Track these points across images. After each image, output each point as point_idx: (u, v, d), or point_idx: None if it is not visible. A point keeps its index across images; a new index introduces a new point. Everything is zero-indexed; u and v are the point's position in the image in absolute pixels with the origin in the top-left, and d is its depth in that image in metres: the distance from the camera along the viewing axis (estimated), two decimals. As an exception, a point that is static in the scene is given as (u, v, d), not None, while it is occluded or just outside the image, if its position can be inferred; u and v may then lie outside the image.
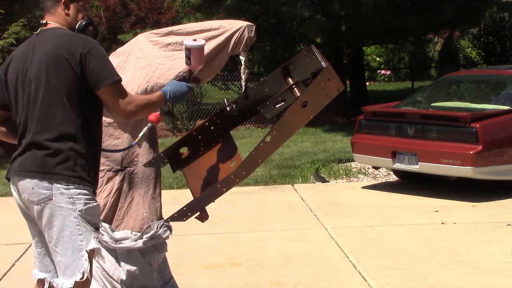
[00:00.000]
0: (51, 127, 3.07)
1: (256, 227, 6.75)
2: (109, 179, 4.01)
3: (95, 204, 3.16)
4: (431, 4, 14.46)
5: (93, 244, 3.11)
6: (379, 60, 26.86)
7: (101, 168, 3.92)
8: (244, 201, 7.74)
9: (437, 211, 7.13)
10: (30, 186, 3.08)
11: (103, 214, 3.99)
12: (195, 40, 3.46)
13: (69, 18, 3.23)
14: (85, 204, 3.09)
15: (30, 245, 6.24)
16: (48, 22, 3.22)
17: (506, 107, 7.92)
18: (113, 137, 3.92)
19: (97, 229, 3.18)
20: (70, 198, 3.06)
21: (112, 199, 3.99)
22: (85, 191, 3.11)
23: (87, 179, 3.13)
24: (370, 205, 7.61)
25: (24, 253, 6.06)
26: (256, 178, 8.91)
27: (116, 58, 4.14)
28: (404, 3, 14.66)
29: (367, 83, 20.02)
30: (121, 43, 10.59)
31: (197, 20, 14.17)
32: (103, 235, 3.93)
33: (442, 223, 6.66)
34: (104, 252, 3.98)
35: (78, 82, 3.06)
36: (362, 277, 5.15)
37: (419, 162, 7.73)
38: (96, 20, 23.75)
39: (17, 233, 6.75)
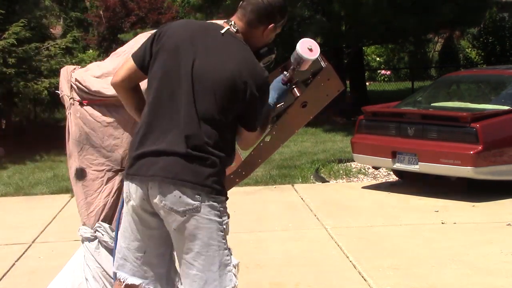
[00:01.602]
0: (208, 134, 2.89)
1: (256, 227, 6.75)
2: (109, 179, 4.01)
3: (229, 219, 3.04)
4: (431, 4, 14.45)
5: (234, 260, 3.00)
6: (379, 60, 26.85)
7: (101, 168, 3.93)
8: (244, 201, 7.74)
9: (437, 211, 7.13)
10: (177, 195, 2.87)
11: (103, 214, 3.99)
12: (310, 49, 3.24)
13: (262, 41, 3.08)
14: (228, 217, 2.98)
15: (30, 245, 6.28)
16: (237, 28, 3.02)
17: (506, 107, 7.92)
18: (113, 137, 3.92)
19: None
20: (218, 210, 2.91)
21: (112, 199, 3.99)
22: (226, 204, 2.99)
23: (226, 193, 3.01)
24: (370, 205, 7.61)
25: (24, 253, 6.06)
26: (256, 178, 8.91)
27: (116, 58, 4.13)
28: (404, 3, 14.65)
29: (367, 83, 20.01)
30: (121, 43, 10.59)
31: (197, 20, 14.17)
32: (103, 235, 3.93)
33: (442, 223, 6.66)
34: (104, 252, 3.99)
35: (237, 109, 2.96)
36: (362, 277, 5.15)
37: (419, 162, 7.73)
38: (96, 20, 23.77)
39: (17, 233, 6.76)
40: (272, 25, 3.03)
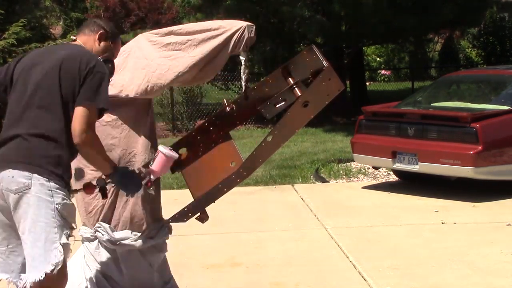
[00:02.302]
0: (40, 125, 3.15)
1: (256, 227, 6.75)
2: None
3: (70, 203, 3.21)
4: (431, 4, 14.46)
5: (64, 239, 3.11)
6: (379, 60, 26.87)
7: (98, 168, 3.93)
8: (244, 201, 7.73)
9: (437, 211, 7.13)
10: (11, 175, 3.11)
11: (102, 214, 3.99)
12: (170, 149, 3.53)
13: (95, 48, 3.43)
14: (63, 199, 3.14)
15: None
16: (77, 39, 3.46)
17: (506, 107, 7.92)
18: (110, 136, 3.92)
19: (71, 228, 3.20)
20: (49, 190, 3.10)
21: (110, 199, 3.99)
22: (64, 189, 3.17)
23: (66, 180, 3.21)
24: (370, 205, 7.60)
25: (24, 253, 6.05)
26: (256, 178, 8.91)
27: (116, 58, 4.13)
28: (404, 3, 14.66)
29: (367, 83, 20.02)
30: (121, 43, 10.59)
31: (197, 20, 14.17)
32: (103, 235, 3.93)
33: (442, 223, 6.66)
34: (104, 252, 3.99)
35: (74, 92, 3.18)
36: (362, 277, 5.15)
37: (419, 162, 7.73)
38: (96, 20, 23.77)
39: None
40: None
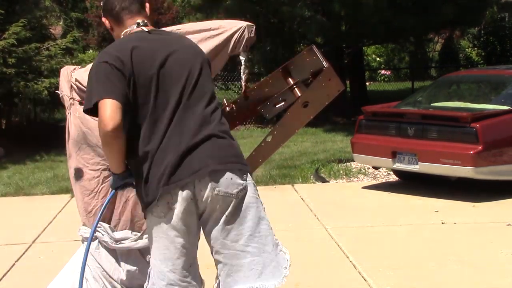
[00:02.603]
0: (216, 122, 2.94)
1: (256, 227, 6.74)
2: (105, 179, 4.01)
3: None
4: (431, 4, 14.45)
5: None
6: (379, 60, 26.87)
7: (96, 167, 3.92)
8: (244, 201, 7.72)
9: (437, 211, 7.13)
10: (229, 177, 2.85)
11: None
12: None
13: (150, 18, 3.20)
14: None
15: (30, 245, 6.28)
16: (147, 23, 3.14)
17: (506, 107, 7.92)
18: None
19: None
20: (256, 189, 2.95)
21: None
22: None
23: None
24: (370, 205, 7.60)
25: (24, 253, 6.06)
26: (256, 178, 8.90)
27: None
28: (404, 3, 14.66)
29: (367, 83, 20.02)
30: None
31: (197, 20, 14.17)
32: (103, 235, 3.93)
33: (442, 223, 6.66)
34: (104, 252, 3.99)
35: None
36: (362, 277, 5.15)
37: (419, 162, 7.73)
38: (96, 20, 23.76)
39: (17, 233, 6.76)
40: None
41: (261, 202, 2.92)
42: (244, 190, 2.87)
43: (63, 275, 4.02)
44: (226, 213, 2.86)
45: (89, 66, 4.20)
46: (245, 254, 2.85)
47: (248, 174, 2.91)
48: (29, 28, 12.17)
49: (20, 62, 11.63)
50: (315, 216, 7.10)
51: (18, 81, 11.50)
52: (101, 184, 4.00)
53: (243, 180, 2.87)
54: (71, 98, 3.88)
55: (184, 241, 2.93)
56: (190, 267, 2.97)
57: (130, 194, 4.04)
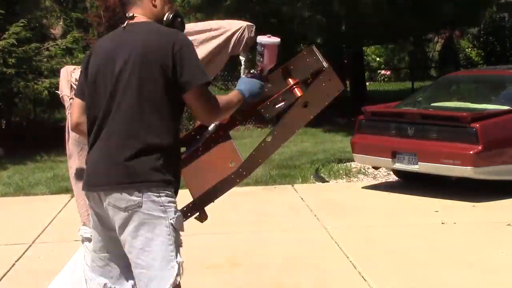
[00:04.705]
0: (138, 132, 2.89)
1: (256, 227, 6.75)
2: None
3: (179, 213, 3.01)
4: (431, 4, 14.46)
5: (179, 257, 2.93)
6: (379, 60, 26.89)
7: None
8: (244, 201, 7.73)
9: (437, 211, 7.13)
10: (119, 192, 2.90)
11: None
12: (269, 36, 3.37)
13: (156, 10, 3.06)
14: (175, 212, 2.95)
15: (30, 245, 6.28)
16: (134, 15, 3.04)
17: (506, 107, 7.92)
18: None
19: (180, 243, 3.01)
20: (161, 206, 2.89)
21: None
22: (173, 199, 2.96)
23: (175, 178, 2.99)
24: (370, 205, 7.61)
25: (24, 253, 6.06)
26: (256, 178, 8.91)
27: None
28: (404, 3, 14.66)
29: (367, 83, 20.03)
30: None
31: (197, 20, 14.17)
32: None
33: (442, 223, 6.66)
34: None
35: (168, 83, 2.89)
36: (362, 277, 5.15)
37: (419, 162, 7.73)
38: (96, 20, 23.77)
39: (17, 233, 6.76)
40: None
41: (165, 218, 2.89)
42: (136, 206, 2.87)
43: (63, 275, 4.01)
44: (118, 225, 2.94)
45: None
46: (136, 265, 2.93)
47: (153, 191, 2.88)
48: (29, 28, 12.18)
49: (20, 62, 11.63)
50: (315, 216, 7.10)
51: (18, 81, 11.50)
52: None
53: (137, 197, 2.87)
54: (71, 98, 3.88)
55: (99, 231, 3.16)
56: (107, 254, 3.12)
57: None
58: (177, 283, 2.90)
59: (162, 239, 2.88)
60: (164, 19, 3.10)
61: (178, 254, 2.94)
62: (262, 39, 3.36)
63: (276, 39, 3.36)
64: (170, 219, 2.90)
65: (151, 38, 2.95)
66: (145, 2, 3.05)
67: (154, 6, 3.06)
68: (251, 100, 3.21)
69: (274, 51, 3.37)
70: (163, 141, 2.90)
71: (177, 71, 2.89)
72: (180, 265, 2.92)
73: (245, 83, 3.20)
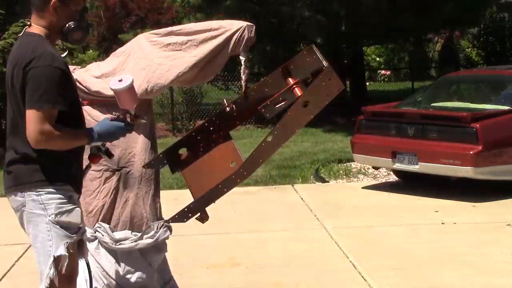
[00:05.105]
0: (18, 137, 3.08)
1: (256, 227, 6.75)
2: (106, 179, 4.02)
3: (71, 207, 3.09)
4: (431, 4, 14.46)
5: (61, 250, 3.06)
6: (379, 60, 26.88)
7: (98, 168, 3.92)
8: (244, 201, 7.73)
9: (437, 211, 7.13)
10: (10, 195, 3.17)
11: (102, 214, 3.99)
12: (120, 80, 3.21)
13: (54, 21, 3.08)
14: (56, 208, 3.06)
15: (30, 245, 6.27)
16: (32, 23, 3.10)
17: (506, 107, 7.92)
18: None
19: (75, 232, 3.11)
20: (41, 204, 3.07)
21: (110, 199, 4.00)
22: (58, 195, 3.07)
23: (60, 177, 3.09)
24: (370, 205, 7.61)
25: (24, 253, 6.05)
26: (256, 178, 8.91)
27: (116, 59, 4.14)
28: (404, 3, 14.66)
29: (367, 83, 20.03)
30: (121, 43, 10.59)
31: (197, 20, 14.18)
32: (103, 235, 3.93)
33: (442, 223, 6.66)
34: (104, 252, 3.99)
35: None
36: (362, 277, 5.15)
37: (419, 162, 7.73)
38: (96, 20, 23.80)
39: (17, 233, 6.74)
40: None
41: (45, 216, 3.05)
42: (22, 206, 3.09)
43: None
44: (20, 224, 3.19)
45: (89, 66, 4.21)
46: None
47: (32, 191, 3.05)
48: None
49: (20, 62, 11.63)
50: (315, 216, 7.10)
51: (18, 81, 11.50)
52: (103, 185, 4.01)
53: (21, 197, 3.08)
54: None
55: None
56: None
57: (129, 195, 4.04)
58: (51, 276, 3.10)
59: (43, 235, 3.09)
60: (64, 30, 3.11)
61: (61, 248, 3.07)
62: (112, 86, 3.21)
63: (125, 83, 3.18)
64: (49, 216, 3.05)
65: (21, 52, 3.05)
66: (47, 12, 3.06)
67: (55, 17, 3.07)
68: (104, 140, 3.23)
69: (129, 93, 3.21)
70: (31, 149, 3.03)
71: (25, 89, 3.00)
72: (57, 258, 3.07)
73: (102, 125, 3.17)
